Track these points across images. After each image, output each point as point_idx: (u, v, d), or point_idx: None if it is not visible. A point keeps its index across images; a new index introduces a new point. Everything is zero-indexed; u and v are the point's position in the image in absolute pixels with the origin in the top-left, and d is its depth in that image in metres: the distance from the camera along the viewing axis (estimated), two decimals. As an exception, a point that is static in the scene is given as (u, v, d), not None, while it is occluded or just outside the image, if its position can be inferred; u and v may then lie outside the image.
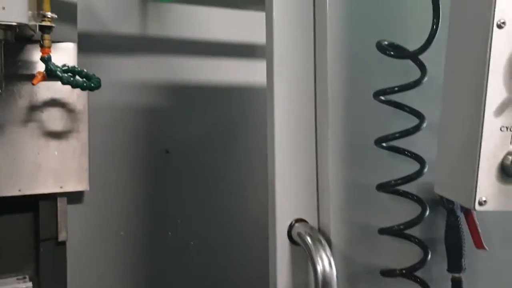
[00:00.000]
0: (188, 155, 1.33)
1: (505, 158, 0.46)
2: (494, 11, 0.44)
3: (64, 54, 1.09)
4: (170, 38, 1.32)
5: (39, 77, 0.95)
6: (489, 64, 0.44)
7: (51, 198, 1.12)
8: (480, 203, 0.46)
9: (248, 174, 1.37)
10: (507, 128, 0.46)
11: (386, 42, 0.64)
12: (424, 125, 0.63)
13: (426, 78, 0.62)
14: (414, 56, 0.62)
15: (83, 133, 1.15)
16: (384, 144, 0.65)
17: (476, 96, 0.45)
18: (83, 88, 0.98)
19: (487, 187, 0.46)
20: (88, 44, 1.19)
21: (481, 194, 0.46)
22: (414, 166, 0.64)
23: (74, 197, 1.17)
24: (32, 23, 0.88)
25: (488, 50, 0.44)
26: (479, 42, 0.45)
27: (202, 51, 1.34)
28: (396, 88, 0.63)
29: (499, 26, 0.44)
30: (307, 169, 0.67)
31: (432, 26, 0.58)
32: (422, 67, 0.63)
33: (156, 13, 1.31)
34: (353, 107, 0.66)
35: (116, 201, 1.25)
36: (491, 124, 0.45)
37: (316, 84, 0.67)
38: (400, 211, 0.66)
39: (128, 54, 1.27)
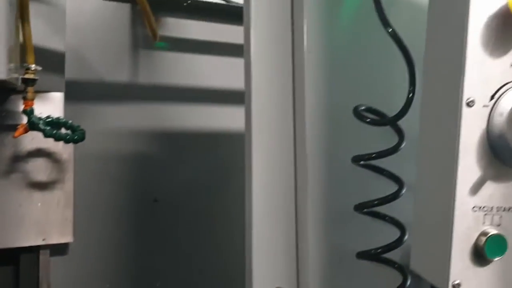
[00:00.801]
0: (178, 204, 1.31)
1: (478, 239, 0.44)
2: (463, 89, 0.43)
3: (51, 103, 1.09)
4: (160, 86, 1.32)
5: (21, 129, 0.94)
6: (459, 143, 0.43)
7: (34, 250, 1.09)
8: (454, 287, 0.44)
9: (240, 225, 1.35)
10: (479, 208, 0.44)
11: (363, 107, 0.63)
12: (403, 191, 0.62)
13: (404, 144, 0.61)
14: (391, 123, 0.61)
15: (68, 183, 1.13)
16: (364, 210, 0.63)
17: (448, 175, 0.44)
18: (66, 141, 0.97)
19: (460, 270, 0.44)
20: (76, 92, 1.18)
21: (454, 277, 0.44)
22: (395, 231, 0.63)
23: (58, 249, 1.15)
24: (14, 76, 0.88)
25: (458, 129, 0.43)
26: (449, 121, 0.44)
27: (193, 98, 1.34)
28: (374, 155, 0.61)
29: (468, 105, 0.43)
30: (286, 236, 0.66)
31: (408, 94, 0.58)
32: (400, 133, 0.62)
33: (148, 61, 1.31)
34: (332, 172, 0.65)
35: (101, 252, 1.22)
36: (464, 205, 0.44)
37: (296, 149, 0.66)
38: (382, 278, 0.65)
39: (118, 102, 1.27)
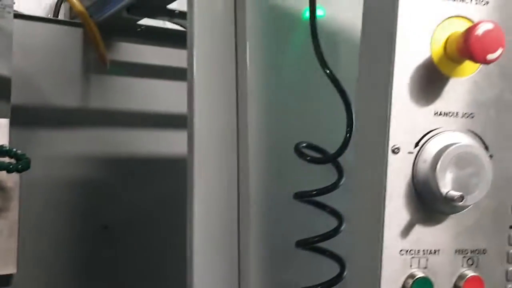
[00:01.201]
0: (128, 230, 1.29)
1: (405, 282, 0.45)
2: (389, 137, 0.44)
3: (-4, 130, 1.06)
4: (111, 110, 1.31)
5: (-38, 159, 0.91)
6: (385, 189, 0.44)
7: (-26, 283, 1.05)
8: (383, 329, 0.45)
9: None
10: (407, 251, 0.45)
11: (304, 144, 0.64)
12: (343, 227, 0.63)
13: (343, 181, 0.63)
14: (330, 160, 0.62)
15: (12, 212, 1.09)
16: (305, 246, 0.64)
17: (375, 220, 0.45)
18: (9, 170, 0.94)
19: (389, 312, 0.45)
20: (23, 118, 1.16)
21: (383, 319, 0.45)
22: (336, 267, 0.64)
23: (1, 281, 1.11)
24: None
25: (384, 175, 0.44)
26: (376, 166, 0.45)
27: (145, 123, 1.33)
28: (315, 192, 0.63)
29: (394, 152, 0.44)
30: (227, 271, 0.66)
31: (346, 134, 0.59)
32: (339, 170, 0.63)
33: (99, 85, 1.30)
34: (274, 207, 0.65)
35: (48, 282, 1.19)
36: (391, 248, 0.45)
37: (239, 182, 0.67)
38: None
39: (67, 128, 1.25)
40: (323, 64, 0.61)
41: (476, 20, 0.46)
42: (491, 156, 0.47)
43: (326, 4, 0.72)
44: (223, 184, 0.66)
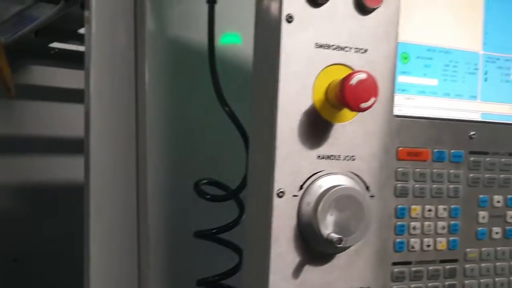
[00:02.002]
0: (39, 263, 1.23)
1: (292, 323, 0.46)
2: (273, 181, 0.45)
3: None
4: (20, 137, 1.25)
5: None
6: (270, 233, 0.45)
7: None
8: None
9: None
10: (295, 292, 0.46)
11: (205, 181, 0.64)
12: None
13: (244, 217, 0.63)
14: (230, 197, 0.63)
15: None
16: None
17: (263, 263, 0.46)
18: None
19: None
20: None
21: None
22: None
23: None
24: None
25: (270, 218, 0.45)
26: (263, 210, 0.46)
27: (57, 148, 1.28)
28: (215, 230, 0.63)
29: (279, 195, 0.45)
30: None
31: (246, 170, 0.60)
32: (240, 206, 0.64)
33: (6, 111, 1.24)
34: (175, 245, 0.65)
35: None
36: (279, 290, 0.46)
37: (139, 223, 0.66)
38: None
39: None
40: (221, 100, 0.62)
41: (356, 67, 0.48)
42: (372, 196, 0.49)
43: (244, 30, 0.73)
44: (120, 221, 0.64)
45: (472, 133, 0.54)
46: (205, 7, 0.65)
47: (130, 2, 0.69)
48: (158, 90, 0.68)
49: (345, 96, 0.44)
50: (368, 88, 0.45)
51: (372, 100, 0.45)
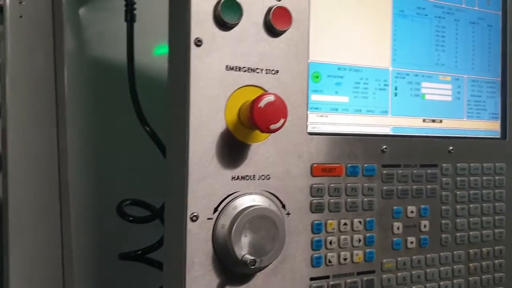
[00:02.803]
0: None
1: None
2: (187, 205, 0.45)
3: None
4: None
5: None
6: (185, 258, 0.45)
7: None
8: None
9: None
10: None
11: (128, 202, 0.63)
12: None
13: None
14: (157, 216, 0.62)
15: None
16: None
17: (179, 284, 0.46)
18: None
19: None
20: None
21: None
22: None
23: None
24: None
25: (184, 243, 0.45)
26: (177, 235, 0.46)
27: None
28: (140, 252, 0.62)
29: (192, 219, 0.45)
30: None
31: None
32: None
33: None
34: (101, 267, 0.63)
35: None
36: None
37: (63, 247, 0.64)
38: None
39: None
40: (142, 120, 0.61)
41: (268, 88, 0.49)
42: (288, 214, 0.50)
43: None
44: (43, 246, 0.62)
45: (384, 147, 0.56)
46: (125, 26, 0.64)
47: (48, 22, 0.67)
48: (79, 111, 0.66)
49: (254, 118, 0.44)
50: (277, 110, 0.45)
51: (281, 121, 0.46)
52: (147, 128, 0.61)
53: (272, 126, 0.45)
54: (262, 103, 0.45)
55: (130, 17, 0.63)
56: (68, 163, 0.64)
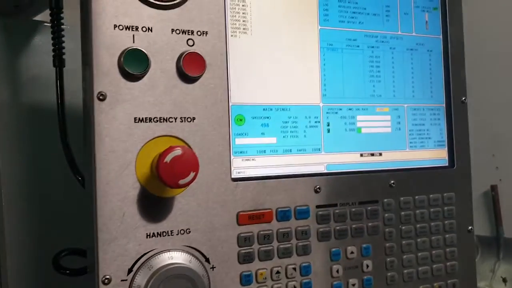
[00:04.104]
0: None
1: None
2: (98, 269, 0.43)
3: None
4: None
5: None
6: None
7: None
8: None
9: None
10: None
11: (65, 253, 0.61)
12: None
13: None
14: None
15: None
16: None
17: None
18: None
19: None
20: None
21: None
22: None
23: None
24: None
25: None
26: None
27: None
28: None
29: (104, 283, 0.43)
30: None
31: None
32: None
33: None
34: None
35: None
36: None
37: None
38: None
39: None
40: (73, 169, 0.59)
41: (183, 137, 0.47)
42: (213, 268, 0.48)
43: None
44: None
45: (317, 186, 0.54)
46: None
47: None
48: (13, 158, 0.64)
49: (160, 174, 0.42)
50: (186, 164, 0.43)
51: (191, 175, 0.44)
52: (79, 178, 0.59)
53: (181, 181, 0.43)
54: (168, 158, 0.43)
55: (58, 63, 0.61)
56: (3, 216, 0.62)
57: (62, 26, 0.62)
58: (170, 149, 0.43)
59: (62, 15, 0.62)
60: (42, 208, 0.66)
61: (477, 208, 0.83)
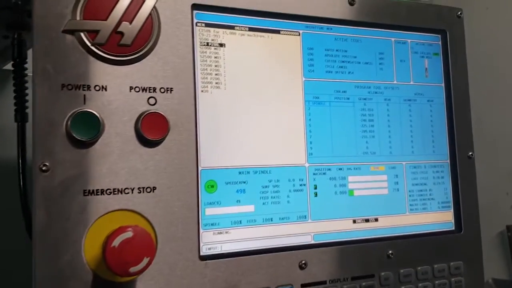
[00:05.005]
0: None
1: None
2: None
3: None
4: None
5: None
6: None
7: None
8: None
9: None
10: None
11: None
12: None
13: None
14: None
15: None
16: None
17: None
18: None
19: None
20: None
21: None
22: None
23: None
24: None
25: None
26: None
27: None
28: None
29: None
30: None
31: None
32: None
33: None
34: None
35: None
36: None
37: None
38: None
39: None
40: (30, 233, 0.53)
41: (142, 210, 0.41)
42: None
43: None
44: None
45: (303, 261, 0.46)
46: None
47: None
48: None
49: (107, 261, 0.36)
50: (137, 248, 0.37)
51: (145, 260, 0.37)
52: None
53: (132, 269, 0.36)
54: (115, 242, 0.36)
55: (20, 118, 0.56)
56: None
57: (25, 78, 0.57)
58: (120, 230, 0.37)
59: (26, 65, 0.57)
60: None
61: (492, 250, 0.75)
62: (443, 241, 0.54)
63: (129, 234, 0.36)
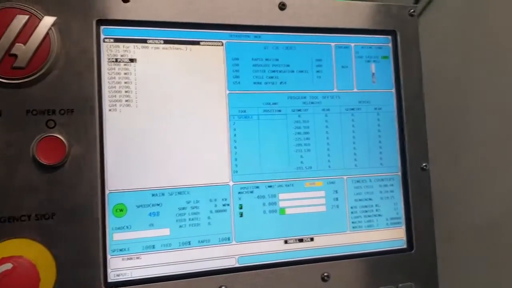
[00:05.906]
0: None
1: None
2: None
3: None
4: None
5: None
6: None
7: None
8: None
9: None
10: None
11: None
12: None
13: None
14: None
15: None
16: None
17: None
18: None
19: None
20: None
21: None
22: None
23: None
24: None
25: None
26: None
27: None
28: None
29: None
30: None
31: None
32: None
33: None
34: None
35: None
36: None
37: None
38: None
39: None
40: None
41: (40, 239, 0.39)
42: None
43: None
44: None
45: (222, 286, 0.44)
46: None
47: None
48: None
49: (-18, 297, 0.35)
50: (19, 282, 0.35)
51: (26, 296, 0.36)
52: None
53: (13, 306, 0.35)
54: (-8, 276, 0.35)
55: None
56: None
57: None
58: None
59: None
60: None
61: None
62: (392, 261, 0.50)
63: (8, 266, 0.35)
